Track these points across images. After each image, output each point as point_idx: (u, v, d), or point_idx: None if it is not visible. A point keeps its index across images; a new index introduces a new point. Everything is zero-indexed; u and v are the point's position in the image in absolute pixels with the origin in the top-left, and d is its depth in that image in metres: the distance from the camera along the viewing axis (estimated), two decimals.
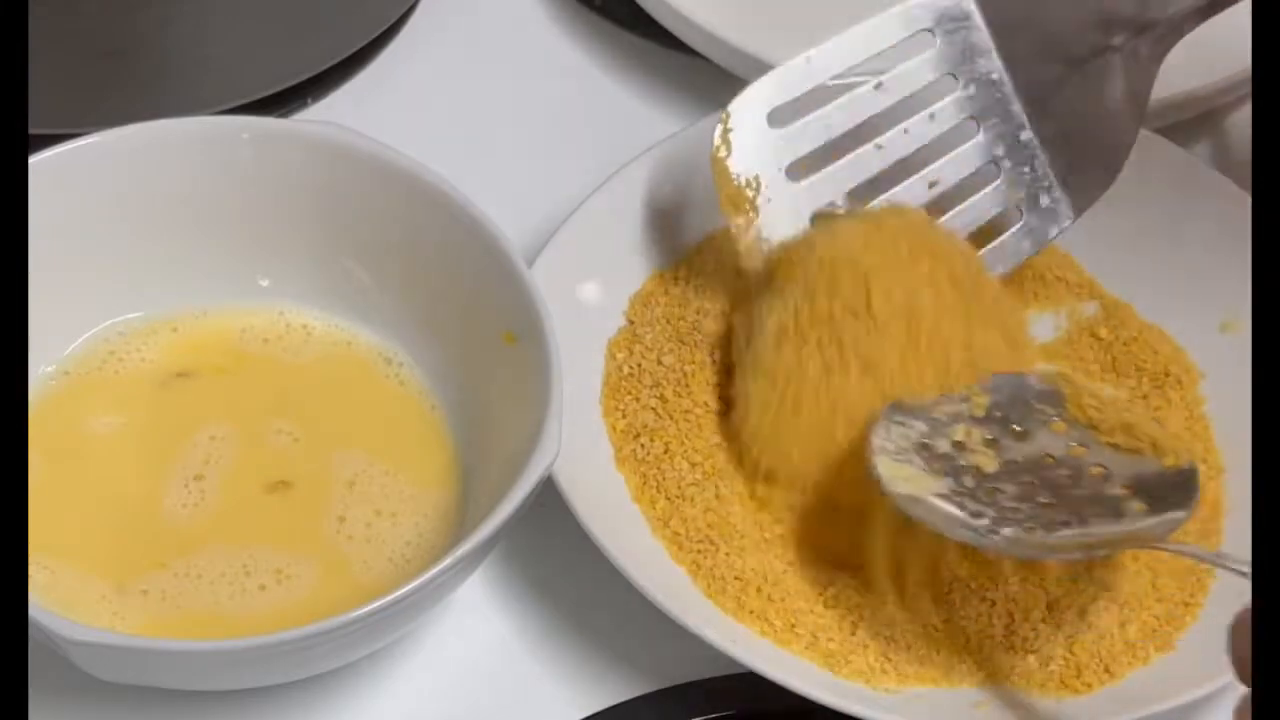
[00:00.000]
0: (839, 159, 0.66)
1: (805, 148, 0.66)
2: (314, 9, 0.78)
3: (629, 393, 0.65)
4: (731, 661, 0.58)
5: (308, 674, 0.59)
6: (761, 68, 0.74)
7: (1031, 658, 0.60)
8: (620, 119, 0.77)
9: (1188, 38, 0.76)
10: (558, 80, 0.79)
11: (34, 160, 0.60)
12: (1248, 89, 0.76)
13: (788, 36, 0.75)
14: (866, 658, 0.59)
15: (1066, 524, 0.58)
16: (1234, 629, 0.49)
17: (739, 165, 0.65)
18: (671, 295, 0.67)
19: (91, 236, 0.63)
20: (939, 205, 0.67)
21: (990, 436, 0.60)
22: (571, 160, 0.74)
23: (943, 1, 0.67)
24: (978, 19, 0.67)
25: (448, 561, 0.54)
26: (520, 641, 0.62)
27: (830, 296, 0.62)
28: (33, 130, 0.57)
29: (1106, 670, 0.60)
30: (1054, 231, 0.67)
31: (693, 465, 0.63)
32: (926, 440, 0.60)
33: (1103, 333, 0.69)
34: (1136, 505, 0.58)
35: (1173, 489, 0.58)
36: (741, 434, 0.63)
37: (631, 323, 0.67)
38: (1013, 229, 0.67)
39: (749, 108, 0.65)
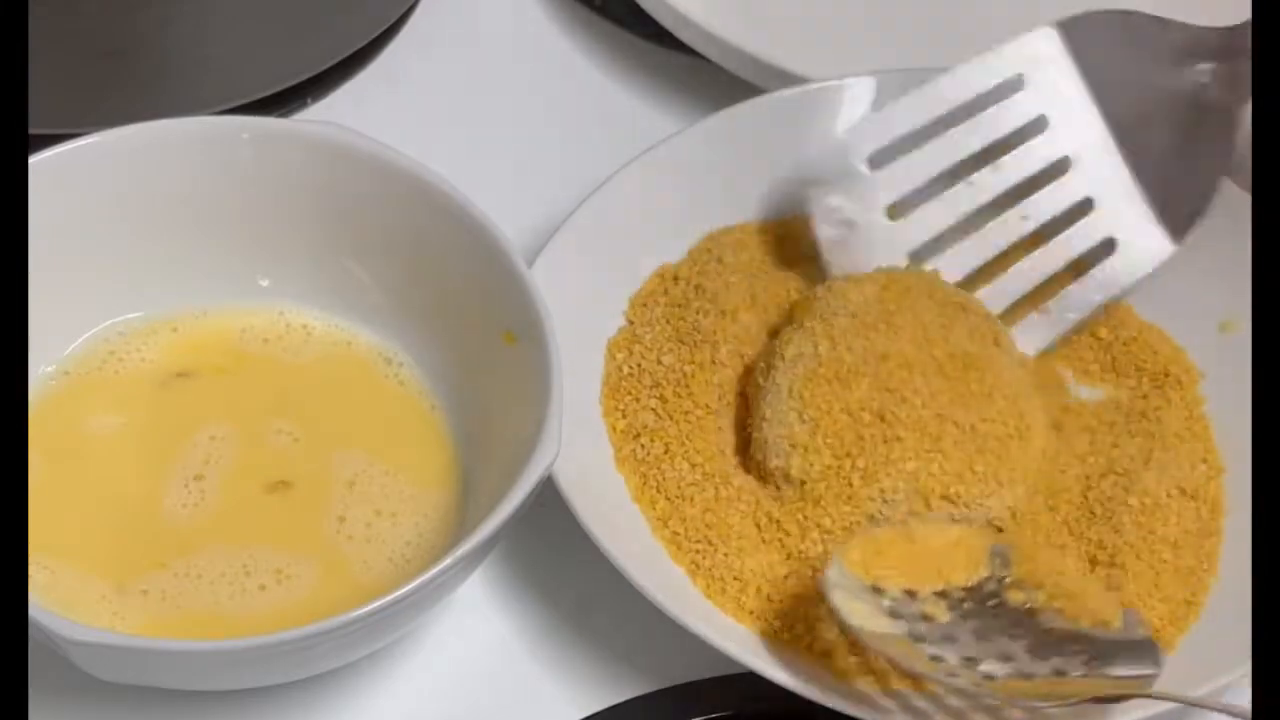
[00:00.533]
0: (935, 198, 0.68)
1: (903, 189, 0.67)
2: (314, 9, 0.78)
3: (629, 393, 0.65)
4: (731, 661, 0.58)
5: (308, 674, 0.59)
6: (760, 68, 0.74)
7: None
8: (620, 119, 0.77)
9: None
10: (557, 80, 0.79)
11: (34, 160, 0.60)
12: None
13: (787, 36, 0.76)
14: (866, 658, 0.59)
15: (1026, 676, 0.56)
16: None
17: (838, 208, 0.67)
18: (672, 295, 0.67)
19: (91, 236, 0.63)
20: (1034, 240, 0.68)
21: (940, 590, 0.59)
22: (571, 160, 0.74)
23: (1032, 45, 0.68)
24: (1067, 59, 0.67)
25: (448, 561, 0.54)
26: (520, 641, 0.62)
27: (846, 346, 0.63)
28: (33, 130, 0.57)
29: None
30: (1151, 262, 0.67)
31: (693, 466, 0.63)
32: (877, 585, 0.59)
33: (1102, 333, 0.69)
34: (1091, 672, 0.56)
35: (1130, 655, 0.57)
36: (756, 441, 0.63)
37: (631, 323, 0.67)
38: (1107, 260, 0.67)
39: (848, 151, 0.67)
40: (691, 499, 0.62)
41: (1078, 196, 0.67)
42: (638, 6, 0.78)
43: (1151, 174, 0.67)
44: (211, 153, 0.63)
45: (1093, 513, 0.63)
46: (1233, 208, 0.68)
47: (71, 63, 0.75)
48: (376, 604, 0.53)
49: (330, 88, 0.77)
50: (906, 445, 0.61)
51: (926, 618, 0.58)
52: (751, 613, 0.60)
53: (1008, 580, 0.59)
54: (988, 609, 0.58)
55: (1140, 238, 0.67)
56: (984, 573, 0.59)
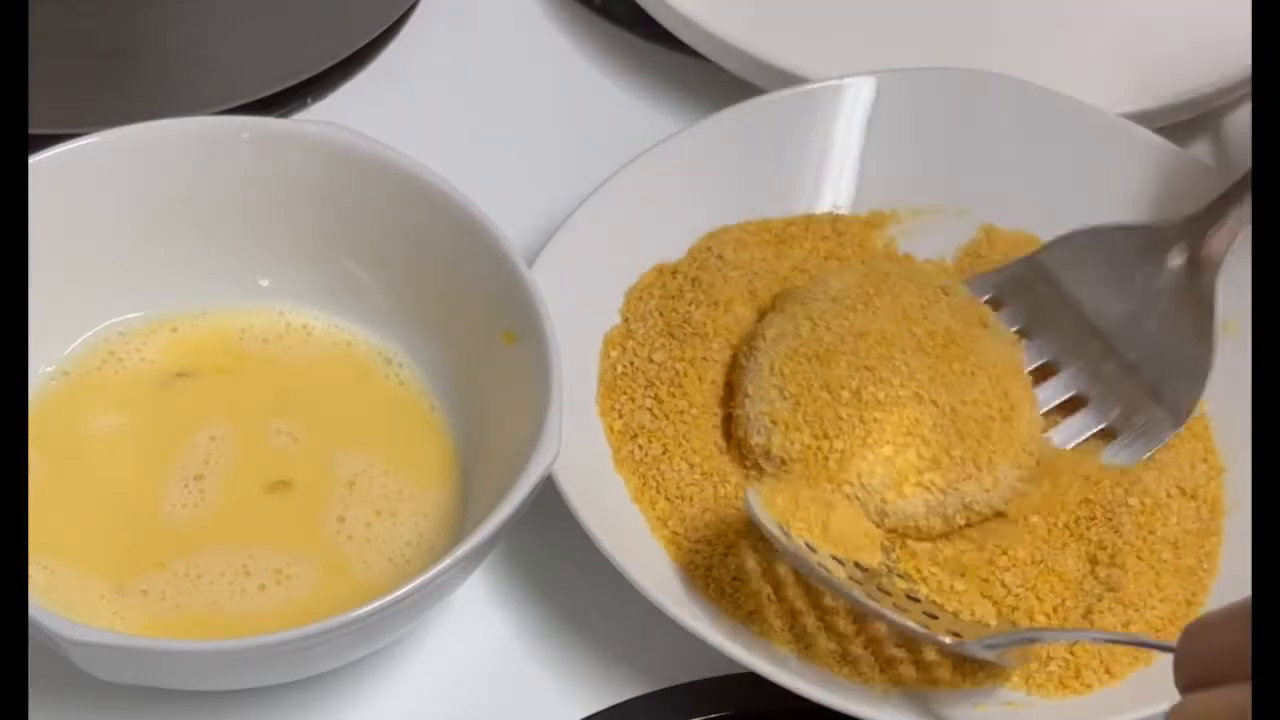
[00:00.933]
0: None
1: None
2: (314, 9, 0.78)
3: (624, 392, 0.65)
4: (731, 661, 0.58)
5: (308, 674, 0.59)
6: (760, 68, 0.74)
7: (1031, 658, 0.60)
8: (620, 119, 0.77)
9: (1185, 39, 0.77)
10: (558, 80, 0.79)
11: (34, 160, 0.60)
12: (1248, 89, 0.76)
13: (787, 37, 0.76)
14: (867, 658, 0.59)
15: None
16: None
17: None
18: (668, 288, 0.67)
19: (91, 236, 0.63)
20: None
21: (838, 556, 0.60)
22: (571, 160, 0.74)
23: (1006, 271, 0.68)
24: (1040, 277, 0.68)
25: (448, 561, 0.54)
26: (520, 641, 0.62)
27: (826, 327, 0.64)
28: (33, 130, 0.57)
29: (1107, 671, 0.60)
30: (1155, 445, 0.66)
31: (691, 466, 0.63)
32: (784, 528, 0.59)
33: None
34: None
35: (1005, 641, 0.58)
36: (738, 419, 0.63)
37: (626, 319, 0.67)
38: (1109, 448, 0.66)
39: None
40: (691, 499, 0.62)
41: (1066, 396, 0.66)
42: (638, 6, 0.78)
43: (1144, 363, 0.66)
44: (211, 153, 0.63)
45: (1093, 513, 0.63)
46: None
47: (71, 63, 0.75)
48: (376, 604, 0.53)
49: (330, 88, 0.77)
50: (884, 428, 0.61)
51: (826, 568, 0.58)
52: (752, 613, 0.60)
53: (896, 571, 0.60)
54: (877, 586, 0.59)
55: (1139, 425, 0.66)
56: (878, 559, 0.60)
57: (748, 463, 0.63)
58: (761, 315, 0.67)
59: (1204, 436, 0.66)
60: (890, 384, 0.62)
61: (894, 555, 0.60)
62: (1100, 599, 0.61)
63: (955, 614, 0.59)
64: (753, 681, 0.58)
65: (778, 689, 0.57)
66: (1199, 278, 0.66)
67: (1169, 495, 0.64)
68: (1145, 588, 0.62)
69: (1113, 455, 0.65)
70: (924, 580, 0.60)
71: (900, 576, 0.60)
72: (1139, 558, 0.62)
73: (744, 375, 0.64)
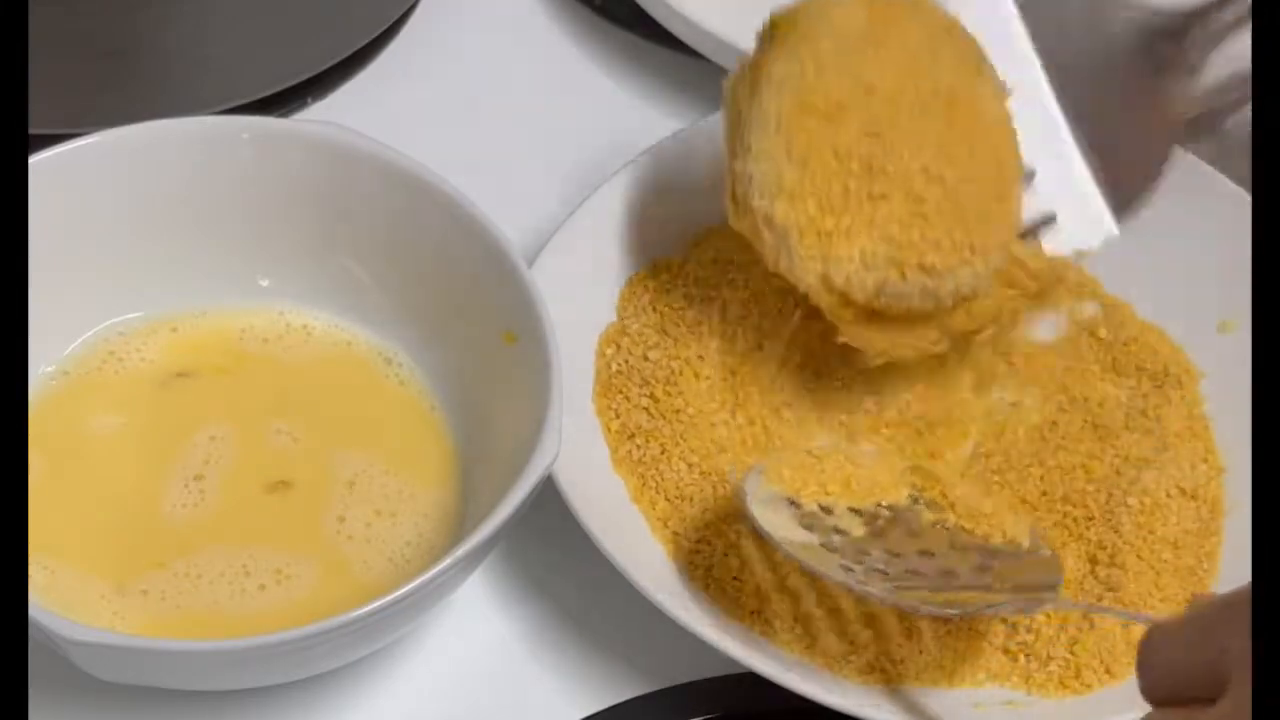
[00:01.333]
0: None
1: None
2: (314, 9, 0.78)
3: (619, 391, 0.65)
4: (731, 661, 0.58)
5: (308, 674, 0.59)
6: None
7: (1032, 658, 0.60)
8: (620, 119, 0.77)
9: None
10: (557, 81, 0.79)
11: (34, 160, 0.60)
12: (1248, 89, 0.76)
13: None
14: (866, 658, 0.59)
15: (936, 590, 0.57)
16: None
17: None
18: (661, 281, 0.67)
19: (91, 236, 0.63)
20: None
21: (855, 507, 0.60)
22: (571, 160, 0.74)
23: (987, 22, 0.66)
24: (1020, 26, 0.67)
25: (448, 561, 0.54)
26: (520, 641, 0.62)
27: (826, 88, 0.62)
28: (33, 130, 0.57)
29: (1107, 671, 0.60)
30: (1097, 239, 0.66)
31: (690, 466, 0.63)
32: (794, 499, 0.59)
33: (1102, 333, 0.69)
34: (997, 586, 0.57)
35: (1034, 569, 0.58)
36: (739, 175, 0.62)
37: (621, 316, 0.66)
38: (1052, 229, 0.66)
39: None
40: (691, 499, 0.62)
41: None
42: (638, 6, 0.78)
43: (1101, 149, 0.66)
44: (211, 153, 0.63)
45: (1092, 513, 0.63)
46: (1233, 208, 0.68)
47: (71, 63, 0.75)
48: (376, 604, 0.53)
49: (330, 88, 0.77)
50: (892, 206, 0.61)
51: (840, 532, 0.58)
52: (752, 613, 0.60)
53: (923, 501, 0.59)
54: (900, 529, 0.58)
55: (1083, 213, 0.65)
56: (903, 494, 0.60)
57: (745, 221, 0.62)
58: (757, 306, 0.66)
59: (1204, 436, 0.66)
60: (899, 155, 0.61)
61: (920, 487, 0.60)
62: (1100, 599, 0.61)
63: (986, 538, 0.59)
64: (753, 681, 0.58)
65: (778, 689, 0.57)
66: (1182, 73, 0.65)
67: (1169, 495, 0.64)
68: (1145, 588, 0.62)
69: (1048, 241, 0.65)
70: (951, 507, 0.59)
71: (927, 506, 0.59)
72: (1139, 558, 0.62)
73: (745, 126, 0.62)
